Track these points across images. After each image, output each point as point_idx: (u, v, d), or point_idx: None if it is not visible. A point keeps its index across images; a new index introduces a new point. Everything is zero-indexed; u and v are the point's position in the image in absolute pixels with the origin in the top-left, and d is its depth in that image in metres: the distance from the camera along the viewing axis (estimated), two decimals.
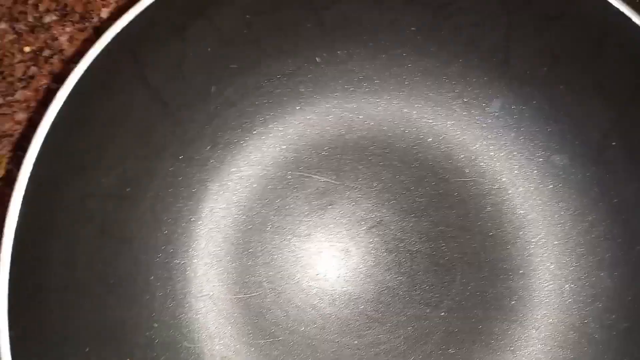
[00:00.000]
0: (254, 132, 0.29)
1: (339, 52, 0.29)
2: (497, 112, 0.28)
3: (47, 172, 0.22)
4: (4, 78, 0.35)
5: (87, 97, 0.23)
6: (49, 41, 0.35)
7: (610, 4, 0.22)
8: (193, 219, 0.29)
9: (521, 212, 0.29)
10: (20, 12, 0.36)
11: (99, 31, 0.35)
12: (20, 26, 0.35)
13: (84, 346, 0.24)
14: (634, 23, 0.22)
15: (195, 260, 0.28)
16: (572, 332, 0.27)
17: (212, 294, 0.28)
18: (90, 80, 0.22)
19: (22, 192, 0.21)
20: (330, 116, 0.30)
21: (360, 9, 0.27)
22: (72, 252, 0.24)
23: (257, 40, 0.27)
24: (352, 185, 0.29)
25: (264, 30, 0.27)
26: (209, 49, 0.26)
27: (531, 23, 0.25)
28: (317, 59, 0.29)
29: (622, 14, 0.22)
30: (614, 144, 0.26)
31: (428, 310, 0.28)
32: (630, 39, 0.23)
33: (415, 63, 0.29)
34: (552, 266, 0.28)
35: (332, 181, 0.29)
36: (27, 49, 0.35)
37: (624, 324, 0.26)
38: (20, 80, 0.35)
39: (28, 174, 0.21)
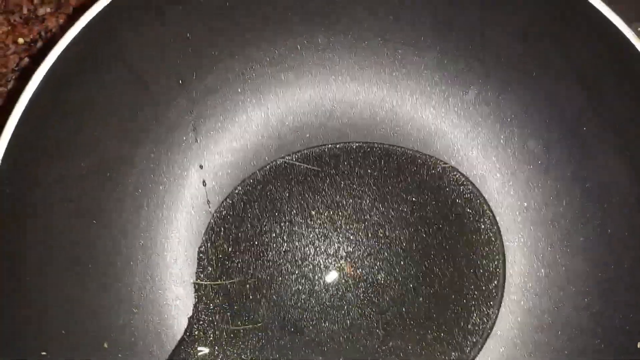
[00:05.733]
0: (236, 120, 0.30)
1: (319, 40, 0.29)
2: (474, 99, 0.29)
3: (23, 152, 0.23)
4: None
5: (64, 80, 0.23)
6: (42, 33, 0.36)
7: None
8: (173, 204, 0.29)
9: (499, 198, 0.29)
10: (16, 5, 0.36)
11: None
12: (15, 18, 0.36)
13: (60, 328, 0.24)
14: (593, 7, 0.22)
15: (176, 246, 0.29)
16: (546, 316, 0.27)
17: (192, 280, 0.28)
18: (67, 63, 0.23)
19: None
20: (312, 104, 0.30)
21: None
22: (50, 236, 0.24)
23: (238, 27, 0.28)
24: (333, 172, 0.30)
25: (245, 17, 0.27)
26: (189, 35, 0.27)
27: (503, 2, 0.25)
28: (298, 47, 0.29)
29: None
30: (585, 128, 0.26)
31: (407, 296, 0.28)
32: (594, 20, 0.23)
33: (393, 51, 0.29)
34: (527, 251, 0.28)
35: (313, 168, 0.30)
36: (20, 40, 0.36)
37: (597, 307, 0.26)
38: (13, 71, 0.36)
39: (2, 154, 0.22)
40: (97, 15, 0.23)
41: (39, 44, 0.36)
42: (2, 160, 0.22)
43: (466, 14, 0.26)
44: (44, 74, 0.22)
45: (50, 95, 0.23)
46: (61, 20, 0.36)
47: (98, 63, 0.25)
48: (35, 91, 0.22)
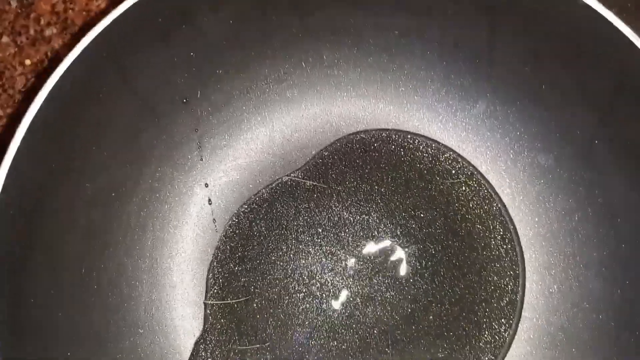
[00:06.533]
0: (241, 137, 0.30)
1: (324, 56, 0.29)
2: (482, 113, 0.28)
3: (28, 177, 0.23)
4: (4, 90, 0.36)
5: (68, 101, 0.23)
6: (49, 53, 0.36)
7: (587, 5, 0.22)
8: (179, 223, 0.29)
9: (509, 213, 0.29)
10: (22, 26, 0.36)
11: None
12: (22, 39, 0.36)
13: (65, 350, 0.24)
14: (610, 23, 0.22)
15: (182, 266, 0.28)
16: (560, 333, 0.27)
17: (199, 300, 0.28)
18: (71, 84, 0.23)
19: (2, 197, 0.22)
20: (318, 120, 0.30)
21: (344, 14, 0.27)
22: (56, 256, 0.24)
23: (242, 46, 0.28)
24: (340, 188, 0.29)
25: (249, 36, 0.27)
26: (193, 54, 0.27)
27: (512, 24, 0.25)
28: (303, 63, 0.29)
29: (599, 14, 0.22)
30: (597, 142, 0.26)
31: (416, 314, 0.28)
32: (608, 39, 0.23)
33: (400, 66, 0.29)
34: (540, 267, 0.28)
35: (320, 185, 0.29)
36: (27, 61, 0.36)
37: (611, 324, 0.25)
38: (20, 92, 0.36)
39: (3, 178, 0.22)
40: (99, 35, 0.23)
41: (46, 64, 0.36)
42: (6, 181, 0.22)
43: (473, 33, 0.26)
44: (47, 94, 0.22)
45: (55, 117, 0.23)
46: (68, 41, 0.36)
47: (101, 84, 0.25)
48: (38, 112, 0.22)
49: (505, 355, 0.28)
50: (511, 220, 0.28)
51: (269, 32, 0.27)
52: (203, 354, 0.27)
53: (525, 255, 0.28)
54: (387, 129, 0.29)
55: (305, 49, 0.28)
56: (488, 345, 0.28)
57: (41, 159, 0.23)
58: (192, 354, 0.27)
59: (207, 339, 0.28)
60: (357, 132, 0.30)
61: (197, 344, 0.28)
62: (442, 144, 0.29)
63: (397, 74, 0.29)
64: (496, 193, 0.28)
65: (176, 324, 0.28)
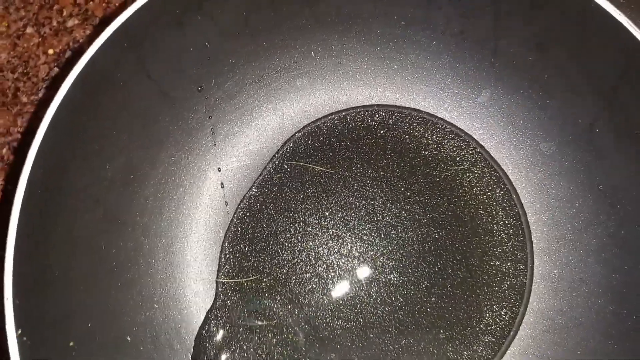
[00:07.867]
0: (253, 124, 0.31)
1: (333, 46, 0.30)
2: (486, 102, 0.29)
3: (51, 160, 0.24)
4: (29, 78, 0.38)
5: (91, 89, 0.25)
6: (71, 43, 0.38)
7: None
8: (193, 205, 0.30)
9: (511, 199, 0.29)
10: (46, 18, 0.38)
11: None
12: (46, 30, 0.38)
13: (86, 321, 0.25)
14: (611, 15, 0.22)
15: (195, 245, 0.30)
16: (559, 317, 0.27)
17: (211, 278, 0.29)
18: (93, 72, 0.24)
19: (26, 179, 0.23)
20: (326, 108, 0.31)
21: (353, 5, 0.28)
22: (76, 235, 0.26)
23: (254, 36, 0.29)
24: (346, 174, 0.30)
25: (261, 25, 0.28)
26: (208, 44, 0.28)
27: (517, 12, 0.25)
28: (312, 53, 0.30)
29: (601, 6, 0.22)
30: (597, 130, 0.26)
31: (419, 296, 0.29)
32: (610, 29, 0.23)
33: (406, 56, 0.29)
34: (541, 252, 0.28)
35: (327, 170, 0.30)
36: (50, 51, 0.38)
37: (610, 308, 0.26)
38: (43, 80, 0.37)
39: (32, 161, 0.23)
40: (120, 27, 0.24)
41: (68, 54, 0.38)
42: (34, 164, 0.23)
43: (478, 23, 0.26)
44: (72, 82, 0.24)
45: (78, 103, 0.24)
46: (88, 32, 0.38)
47: (122, 72, 0.26)
48: (63, 99, 0.24)
49: (506, 337, 0.28)
50: (518, 204, 0.29)
51: (279, 22, 0.28)
52: (213, 329, 0.29)
53: (526, 240, 0.29)
54: (394, 106, 0.29)
55: (315, 39, 0.29)
56: (489, 327, 0.28)
57: (65, 142, 0.25)
58: (203, 329, 0.28)
59: (218, 314, 0.29)
60: (364, 119, 0.30)
61: (208, 319, 0.29)
62: (449, 128, 0.30)
63: (403, 63, 0.30)
64: (506, 176, 0.29)
65: (189, 299, 0.29)
